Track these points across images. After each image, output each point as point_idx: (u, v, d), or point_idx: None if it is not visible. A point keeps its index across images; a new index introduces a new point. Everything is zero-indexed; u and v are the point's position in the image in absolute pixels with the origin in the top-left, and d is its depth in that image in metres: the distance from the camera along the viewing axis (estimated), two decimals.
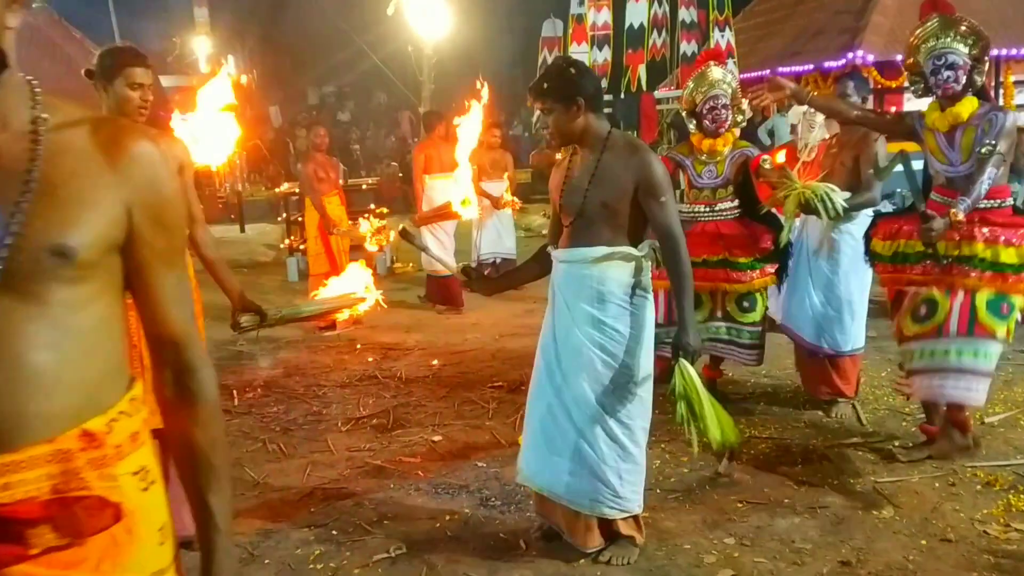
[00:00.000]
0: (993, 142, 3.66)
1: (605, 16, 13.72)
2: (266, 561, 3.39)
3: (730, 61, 13.47)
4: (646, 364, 3.18)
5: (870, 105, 4.86)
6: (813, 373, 4.90)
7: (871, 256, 4.22)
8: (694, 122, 4.85)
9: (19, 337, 1.21)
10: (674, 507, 3.74)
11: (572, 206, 3.18)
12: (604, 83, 14.09)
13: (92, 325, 1.29)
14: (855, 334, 4.78)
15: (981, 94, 3.87)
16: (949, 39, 3.75)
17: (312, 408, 5.28)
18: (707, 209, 4.85)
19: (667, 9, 16.14)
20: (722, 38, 13.83)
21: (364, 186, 11.32)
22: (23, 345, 1.22)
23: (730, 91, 4.77)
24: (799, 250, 4.90)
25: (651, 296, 3.23)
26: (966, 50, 3.75)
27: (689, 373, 3.08)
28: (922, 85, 3.91)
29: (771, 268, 4.77)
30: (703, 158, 4.83)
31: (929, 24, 3.85)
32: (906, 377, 4.16)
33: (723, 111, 4.72)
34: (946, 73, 3.75)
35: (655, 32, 16.30)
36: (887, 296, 4.19)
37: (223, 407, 5.20)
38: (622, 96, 13.86)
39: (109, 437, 1.28)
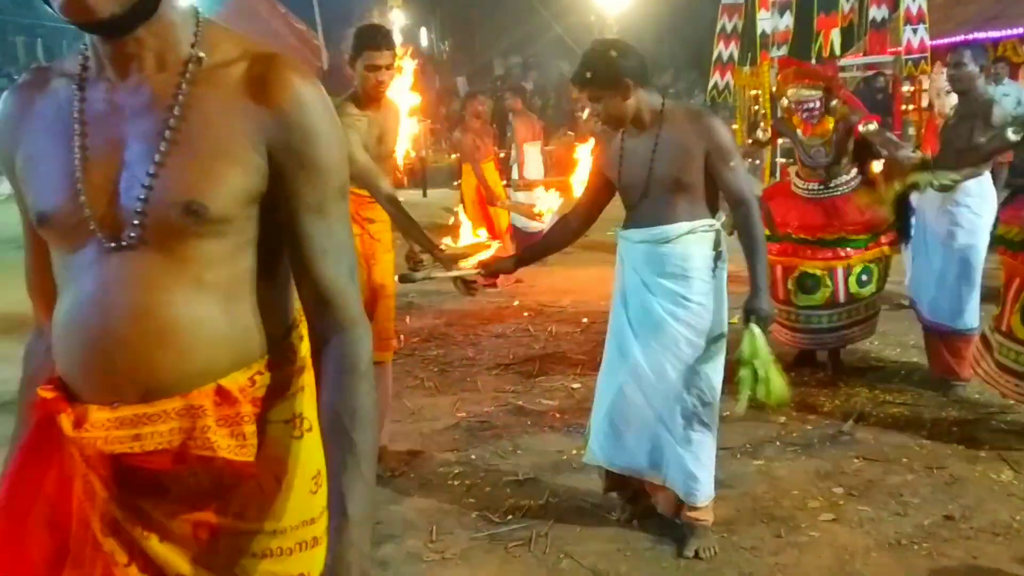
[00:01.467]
0: None
1: None
2: (411, 475, 3.87)
3: (921, 27, 12.86)
4: (723, 334, 3.15)
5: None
6: (933, 349, 4.82)
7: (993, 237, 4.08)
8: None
9: (155, 292, 1.19)
10: (790, 458, 3.92)
11: (636, 186, 3.10)
12: (784, 51, 13.83)
13: (235, 279, 1.24)
14: (970, 312, 4.63)
15: None
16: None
17: (467, 354, 5.77)
18: (821, 187, 4.88)
19: None
20: (913, 3, 13.21)
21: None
22: (159, 301, 1.19)
23: (818, 92, 4.76)
24: (917, 225, 4.81)
25: (727, 265, 3.17)
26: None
27: (758, 339, 3.00)
28: None
29: (886, 239, 4.80)
30: (811, 140, 4.87)
31: None
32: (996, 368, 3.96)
33: (808, 113, 4.77)
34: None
35: None
36: (1003, 280, 4.00)
37: None
38: (812, 63, 13.56)
39: (251, 391, 1.24)
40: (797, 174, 5.08)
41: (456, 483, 3.78)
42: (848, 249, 4.79)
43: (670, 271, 3.06)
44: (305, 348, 1.35)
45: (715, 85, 16.58)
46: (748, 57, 14.98)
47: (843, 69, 13.36)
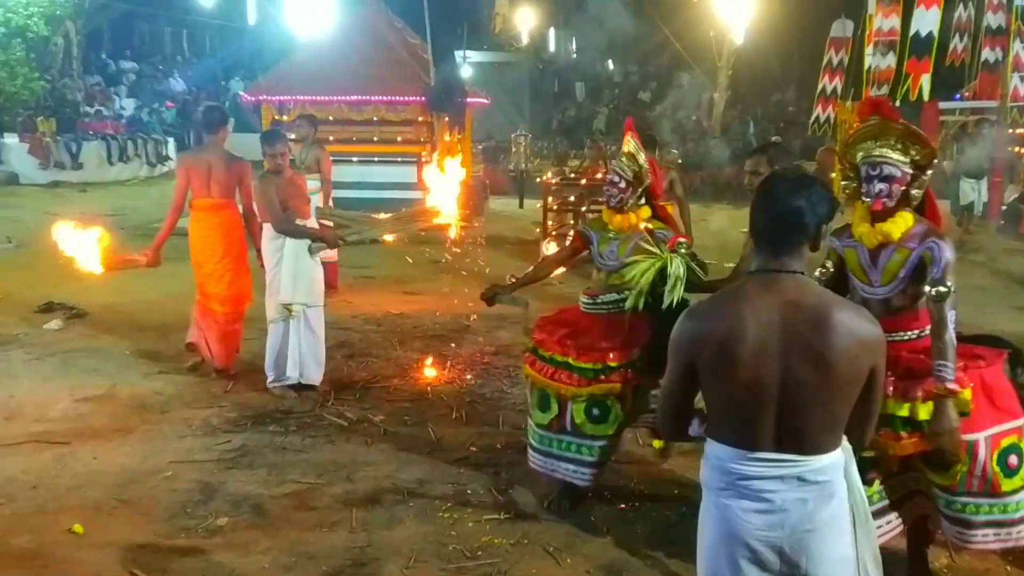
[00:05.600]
0: (947, 284, 3.21)
1: (893, 22, 13.38)
2: (411, 504, 4.43)
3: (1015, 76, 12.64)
4: None
5: None
6: None
7: None
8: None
9: None
10: None
11: None
12: (885, 90, 13.76)
13: None
14: None
15: (919, 210, 3.38)
16: (887, 148, 3.31)
17: (501, 386, 6.27)
18: (590, 301, 4.50)
19: (972, 13, 15.26)
20: (1023, 49, 12.92)
21: (600, 174, 12.14)
22: None
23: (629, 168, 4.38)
24: None
25: None
26: (906, 160, 3.29)
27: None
28: (853, 186, 3.45)
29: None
30: (604, 237, 4.49)
31: (867, 126, 3.38)
32: None
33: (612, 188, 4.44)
34: (879, 186, 3.29)
35: (957, 36, 15.49)
36: None
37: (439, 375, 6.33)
38: (897, 104, 13.56)
39: None
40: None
41: (446, 516, 4.32)
42: (573, 375, 4.21)
43: None
44: None
45: (816, 118, 16.62)
46: (851, 92, 14.97)
47: (942, 112, 13.24)
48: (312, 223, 6.29)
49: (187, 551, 3.96)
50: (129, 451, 5.07)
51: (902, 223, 3.31)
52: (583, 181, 11.52)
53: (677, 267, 4.13)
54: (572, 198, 11.42)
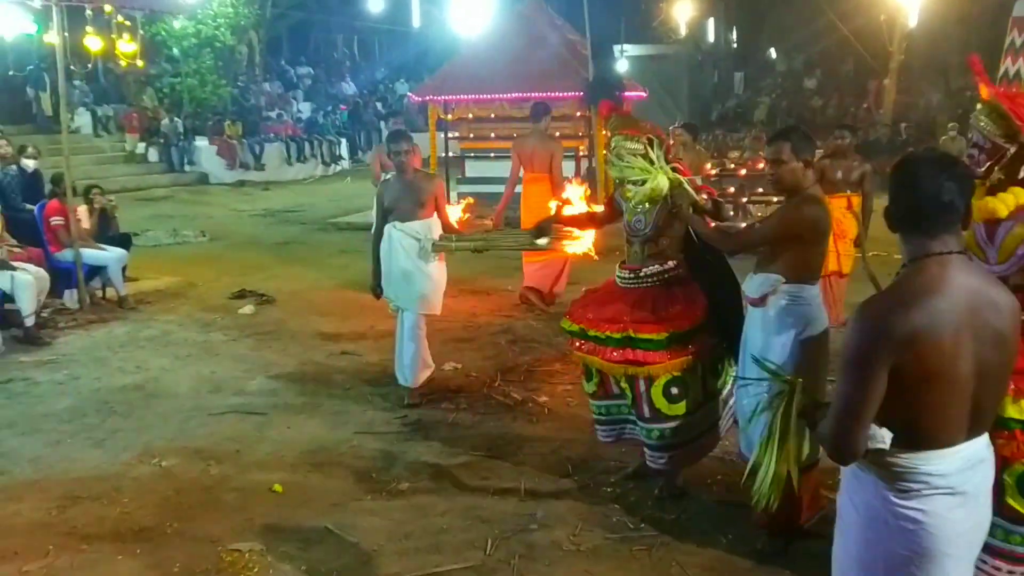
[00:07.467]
0: None
1: None
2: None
3: None
4: None
5: None
6: None
7: None
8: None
9: None
10: None
11: None
12: None
13: None
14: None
15: None
16: (981, 114, 3.19)
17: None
18: (632, 275, 4.32)
19: None
20: None
21: (761, 165, 11.86)
22: None
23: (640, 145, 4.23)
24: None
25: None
26: (997, 131, 3.13)
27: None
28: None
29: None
30: (634, 204, 4.30)
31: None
32: None
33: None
34: (970, 152, 3.19)
35: None
36: None
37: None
38: None
39: None
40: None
41: (609, 490, 4.52)
42: (639, 351, 4.06)
43: None
44: None
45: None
46: None
47: None
48: (430, 228, 5.81)
49: (373, 511, 4.35)
50: (318, 422, 5.57)
51: (1011, 199, 3.08)
52: (743, 172, 11.45)
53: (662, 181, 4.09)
54: (732, 189, 11.39)
